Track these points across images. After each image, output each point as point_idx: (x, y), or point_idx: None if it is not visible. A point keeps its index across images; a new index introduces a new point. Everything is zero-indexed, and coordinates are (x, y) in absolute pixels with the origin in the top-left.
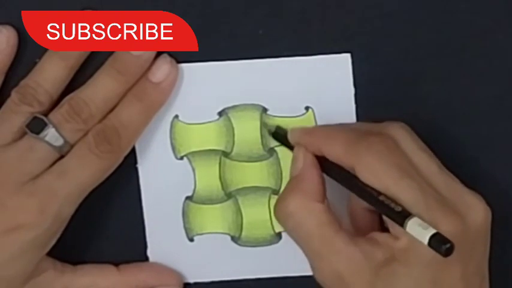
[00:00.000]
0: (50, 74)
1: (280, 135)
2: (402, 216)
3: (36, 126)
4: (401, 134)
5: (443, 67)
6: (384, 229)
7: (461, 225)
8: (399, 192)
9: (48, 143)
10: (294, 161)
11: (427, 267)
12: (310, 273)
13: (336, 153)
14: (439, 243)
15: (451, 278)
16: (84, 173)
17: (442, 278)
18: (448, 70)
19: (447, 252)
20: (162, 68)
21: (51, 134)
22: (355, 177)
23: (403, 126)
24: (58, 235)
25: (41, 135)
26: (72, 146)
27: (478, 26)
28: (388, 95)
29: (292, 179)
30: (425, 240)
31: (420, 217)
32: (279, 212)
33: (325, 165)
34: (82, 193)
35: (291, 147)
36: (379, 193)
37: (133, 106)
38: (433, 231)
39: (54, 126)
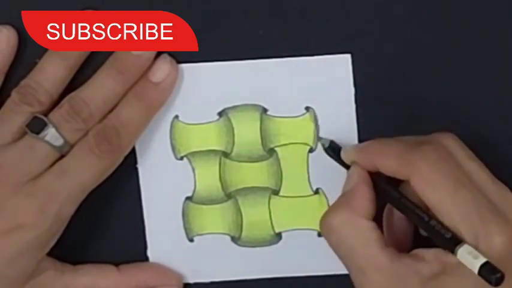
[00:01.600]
0: (50, 74)
1: (333, 151)
2: (452, 243)
3: (36, 126)
4: (452, 143)
5: (443, 67)
6: (421, 241)
7: None
8: (453, 203)
9: (48, 142)
10: (348, 178)
11: (480, 279)
12: (309, 273)
13: (391, 165)
14: (490, 272)
15: None
16: (84, 173)
17: None
18: (448, 70)
19: (497, 282)
20: (162, 68)
21: (51, 134)
22: (407, 200)
23: (453, 136)
24: (58, 235)
25: (41, 135)
26: (72, 146)
27: (478, 26)
28: (388, 95)
29: (343, 194)
30: (476, 269)
31: (474, 228)
32: (324, 225)
33: (377, 186)
34: (82, 193)
35: (343, 164)
36: (430, 217)
37: (133, 106)
38: (483, 260)
39: (54, 126)
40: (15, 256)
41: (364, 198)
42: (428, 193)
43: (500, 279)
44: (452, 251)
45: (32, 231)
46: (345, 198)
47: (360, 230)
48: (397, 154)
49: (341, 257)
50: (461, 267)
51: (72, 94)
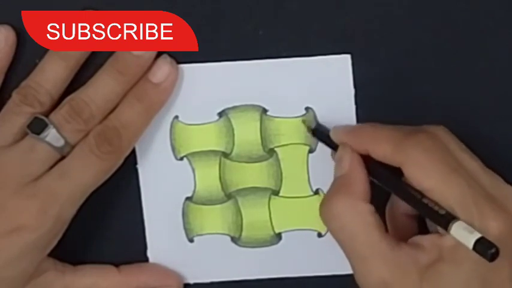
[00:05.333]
0: (50, 75)
1: (320, 133)
2: (446, 219)
3: (37, 126)
4: (444, 134)
5: (443, 67)
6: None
7: (509, 222)
8: (447, 188)
9: (49, 143)
10: (339, 160)
11: (475, 264)
12: (309, 274)
13: (384, 151)
14: (485, 247)
15: (500, 276)
16: (85, 174)
17: (491, 276)
18: (448, 70)
19: (492, 257)
20: (163, 69)
21: (52, 135)
22: (400, 179)
23: (444, 128)
24: (59, 237)
25: (42, 135)
26: (73, 147)
27: (478, 26)
28: (388, 95)
29: (338, 179)
30: (471, 245)
31: (469, 212)
32: (324, 212)
33: (369, 167)
34: (83, 194)
35: (331, 145)
36: (423, 195)
37: (133, 107)
38: (478, 235)
39: (55, 127)
40: (15, 257)
41: (361, 181)
42: (422, 179)
43: (496, 255)
44: (446, 227)
45: (32, 233)
46: (342, 183)
47: (361, 215)
48: (391, 140)
49: (341, 244)
50: (457, 251)
51: (73, 95)
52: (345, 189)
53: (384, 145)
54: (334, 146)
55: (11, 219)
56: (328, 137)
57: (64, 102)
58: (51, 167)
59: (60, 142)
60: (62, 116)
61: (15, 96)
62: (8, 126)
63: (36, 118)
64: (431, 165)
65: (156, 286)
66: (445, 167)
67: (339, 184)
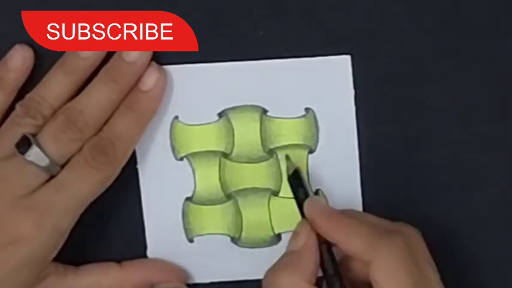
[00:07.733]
0: (54, 89)
1: (295, 180)
2: None
3: (23, 145)
4: (416, 240)
5: (443, 67)
6: None
7: None
8: None
9: (33, 163)
10: (295, 235)
11: None
12: None
13: (356, 247)
14: None
15: None
16: (81, 185)
17: None
18: (448, 70)
19: None
20: (151, 76)
21: (35, 154)
22: (338, 278)
23: (418, 232)
24: (58, 248)
25: (26, 155)
26: (61, 166)
27: (478, 26)
28: (388, 97)
29: (289, 254)
30: None
31: None
32: (270, 281)
33: (321, 252)
34: (80, 206)
35: (298, 202)
36: None
37: (125, 116)
38: None
39: (39, 146)
40: (12, 270)
41: (311, 263)
42: (384, 283)
43: None
44: None
45: (29, 245)
46: (293, 259)
47: None
48: (365, 238)
49: None
50: None
51: (67, 105)
52: (293, 267)
53: (357, 241)
54: (300, 206)
55: (7, 231)
56: (302, 186)
57: (58, 113)
58: (49, 179)
59: (44, 161)
60: (56, 126)
61: (18, 108)
62: (8, 138)
63: (23, 137)
64: (396, 273)
65: (159, 281)
66: (408, 279)
67: (289, 259)
